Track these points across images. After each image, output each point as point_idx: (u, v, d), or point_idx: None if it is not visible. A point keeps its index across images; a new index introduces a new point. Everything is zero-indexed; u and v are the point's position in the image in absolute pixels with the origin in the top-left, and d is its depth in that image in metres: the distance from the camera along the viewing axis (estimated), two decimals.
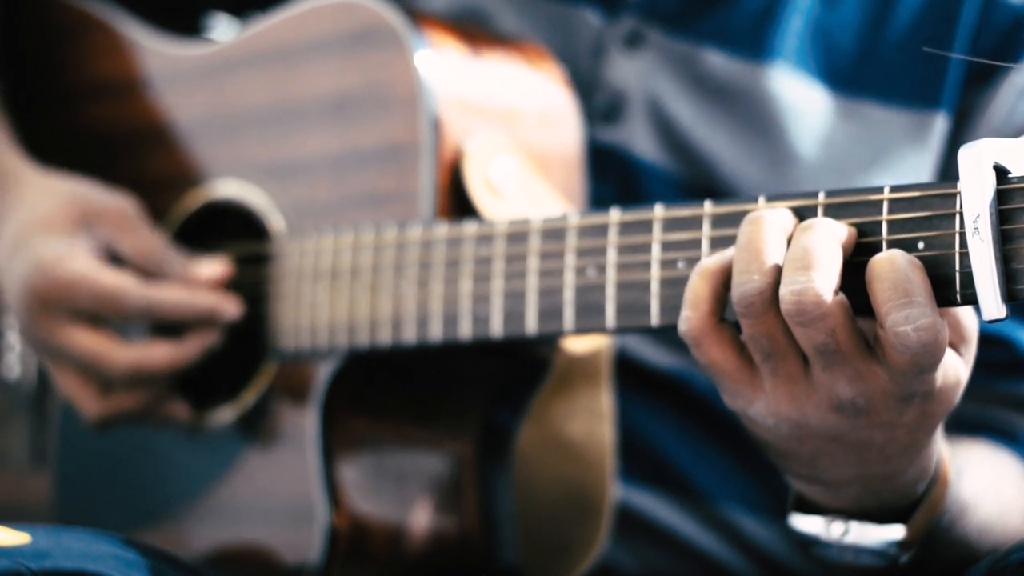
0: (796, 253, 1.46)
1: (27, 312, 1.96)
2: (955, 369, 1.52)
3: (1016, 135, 1.85)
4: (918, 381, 1.48)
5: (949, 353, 1.50)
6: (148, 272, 1.97)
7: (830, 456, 1.56)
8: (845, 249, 1.47)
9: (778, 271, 1.47)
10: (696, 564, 1.99)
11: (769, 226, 1.49)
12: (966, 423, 1.88)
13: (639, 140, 1.97)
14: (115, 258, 1.98)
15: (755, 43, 1.95)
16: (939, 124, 1.92)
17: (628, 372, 1.95)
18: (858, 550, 1.64)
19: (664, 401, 1.98)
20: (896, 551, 1.64)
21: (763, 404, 1.53)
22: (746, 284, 1.47)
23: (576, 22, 2.00)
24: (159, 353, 1.94)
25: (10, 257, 1.98)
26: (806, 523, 1.66)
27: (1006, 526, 1.79)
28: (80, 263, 1.94)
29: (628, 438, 1.94)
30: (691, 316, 1.52)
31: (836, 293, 1.45)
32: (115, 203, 2.00)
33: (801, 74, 1.94)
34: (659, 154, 1.97)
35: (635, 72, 1.98)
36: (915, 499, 1.64)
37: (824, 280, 1.44)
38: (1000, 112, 1.90)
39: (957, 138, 1.91)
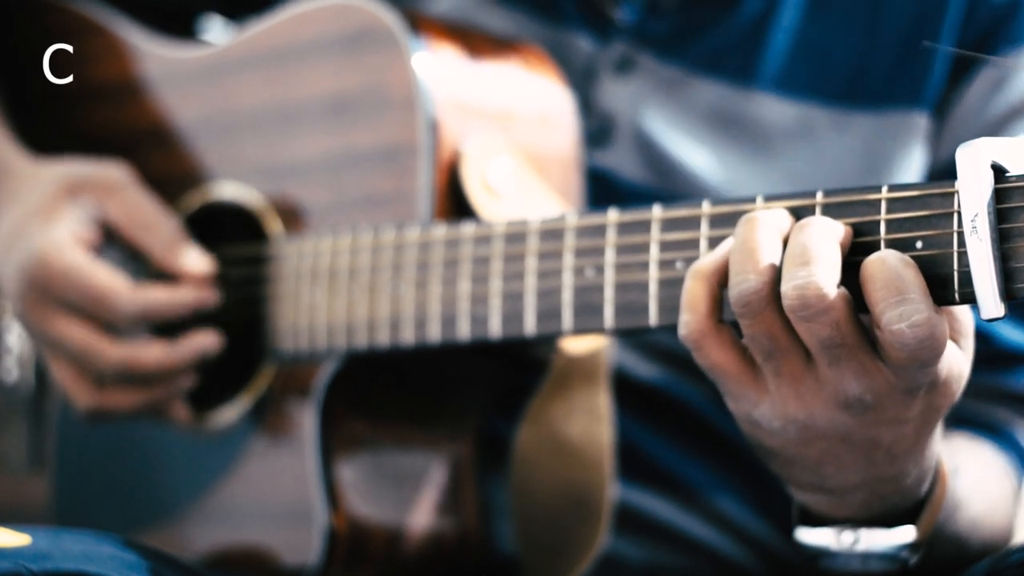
0: (795, 250, 1.46)
1: (23, 300, 1.97)
2: (957, 362, 1.52)
3: (989, 128, 1.87)
4: (922, 374, 1.48)
5: (950, 346, 1.50)
6: (138, 237, 1.97)
7: (836, 460, 1.55)
8: (842, 246, 1.47)
9: (774, 270, 1.47)
10: (698, 556, 2.00)
11: (763, 225, 1.49)
12: (946, 417, 1.89)
13: (627, 165, 1.98)
14: (112, 234, 1.99)
15: (744, 67, 1.95)
16: (922, 123, 1.92)
17: (620, 385, 1.95)
18: (868, 556, 1.63)
19: (656, 413, 1.98)
20: (907, 554, 1.63)
21: (768, 406, 1.52)
22: (742, 284, 1.47)
23: (568, 46, 2.01)
24: (150, 351, 1.94)
25: (8, 247, 1.99)
26: (814, 536, 1.65)
27: (993, 522, 1.81)
28: (75, 255, 1.94)
29: (622, 447, 1.94)
30: (690, 319, 1.51)
31: (838, 287, 1.45)
32: (101, 171, 2.01)
33: (792, 94, 1.95)
34: (648, 179, 1.97)
35: (625, 97, 1.98)
36: (919, 499, 1.63)
37: (826, 274, 1.44)
38: (971, 105, 1.91)
39: (937, 135, 1.92)
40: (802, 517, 1.66)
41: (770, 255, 1.47)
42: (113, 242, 2.00)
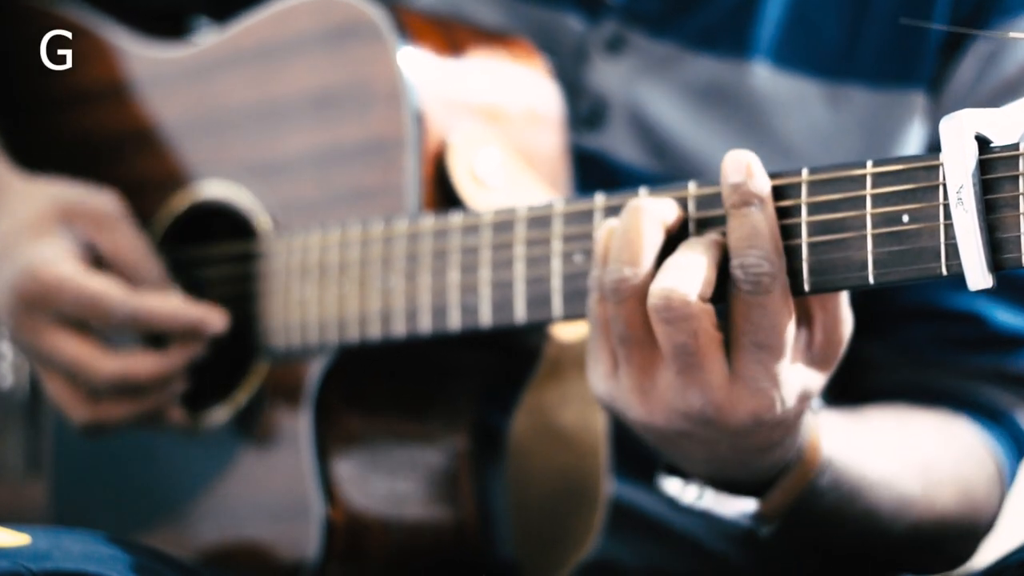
0: (673, 258, 1.52)
1: (14, 316, 1.96)
2: (802, 380, 1.56)
3: (982, 103, 1.86)
4: (766, 387, 1.53)
5: (798, 368, 1.55)
6: (125, 272, 1.97)
7: (677, 446, 1.61)
8: (717, 260, 1.53)
9: (650, 263, 1.53)
10: (692, 554, 1.99)
11: (647, 216, 1.54)
12: (931, 393, 1.89)
13: (622, 145, 1.97)
14: (101, 260, 1.98)
15: (736, 41, 1.95)
16: (919, 101, 1.92)
17: None
18: (715, 516, 1.70)
19: None
20: (752, 523, 1.69)
21: (615, 386, 1.58)
22: (615, 272, 1.53)
23: (558, 27, 2.00)
24: (144, 363, 1.94)
25: None
26: (668, 484, 1.71)
27: (932, 502, 1.81)
28: (66, 267, 1.94)
29: (618, 439, 1.94)
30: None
31: (705, 299, 1.50)
32: (96, 201, 2.00)
33: (784, 67, 1.94)
34: (643, 158, 1.97)
35: (617, 77, 1.98)
36: (770, 479, 1.67)
37: (694, 283, 1.50)
38: (964, 80, 1.91)
39: (932, 112, 1.92)
40: (666, 465, 1.72)
41: (649, 247, 1.54)
42: (100, 271, 1.99)
